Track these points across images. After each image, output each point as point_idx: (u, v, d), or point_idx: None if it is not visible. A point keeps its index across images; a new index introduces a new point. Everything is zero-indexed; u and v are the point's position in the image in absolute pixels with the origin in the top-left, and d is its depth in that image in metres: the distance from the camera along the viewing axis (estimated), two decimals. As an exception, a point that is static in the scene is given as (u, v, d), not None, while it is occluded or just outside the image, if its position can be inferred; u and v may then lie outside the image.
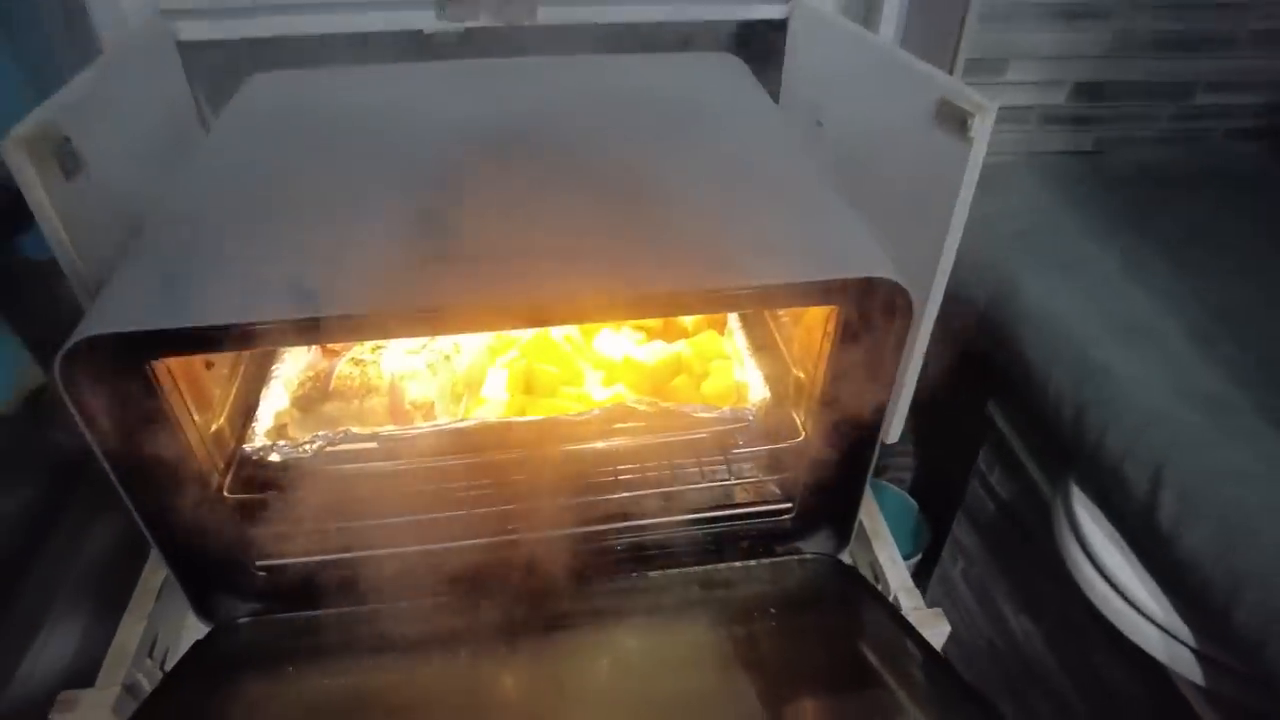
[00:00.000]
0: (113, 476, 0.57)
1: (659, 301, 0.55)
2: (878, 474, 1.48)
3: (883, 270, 0.56)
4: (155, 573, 0.72)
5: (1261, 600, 0.54)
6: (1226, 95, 1.03)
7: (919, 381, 1.19)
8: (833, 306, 0.61)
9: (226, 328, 0.50)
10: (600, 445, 0.69)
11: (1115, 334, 0.71)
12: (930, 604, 1.31)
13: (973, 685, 0.54)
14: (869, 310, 0.59)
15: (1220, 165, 0.98)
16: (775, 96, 0.98)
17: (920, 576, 1.29)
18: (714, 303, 0.58)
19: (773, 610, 0.67)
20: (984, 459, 1.00)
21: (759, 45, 0.95)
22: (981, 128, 0.64)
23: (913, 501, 1.39)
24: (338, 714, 0.60)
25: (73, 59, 0.77)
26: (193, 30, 0.86)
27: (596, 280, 0.54)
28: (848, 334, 0.62)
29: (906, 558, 1.35)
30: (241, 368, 0.74)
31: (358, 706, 0.60)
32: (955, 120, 0.65)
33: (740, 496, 0.77)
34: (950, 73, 0.98)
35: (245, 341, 0.51)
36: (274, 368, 0.75)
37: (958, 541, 1.09)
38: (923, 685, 0.57)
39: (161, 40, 0.83)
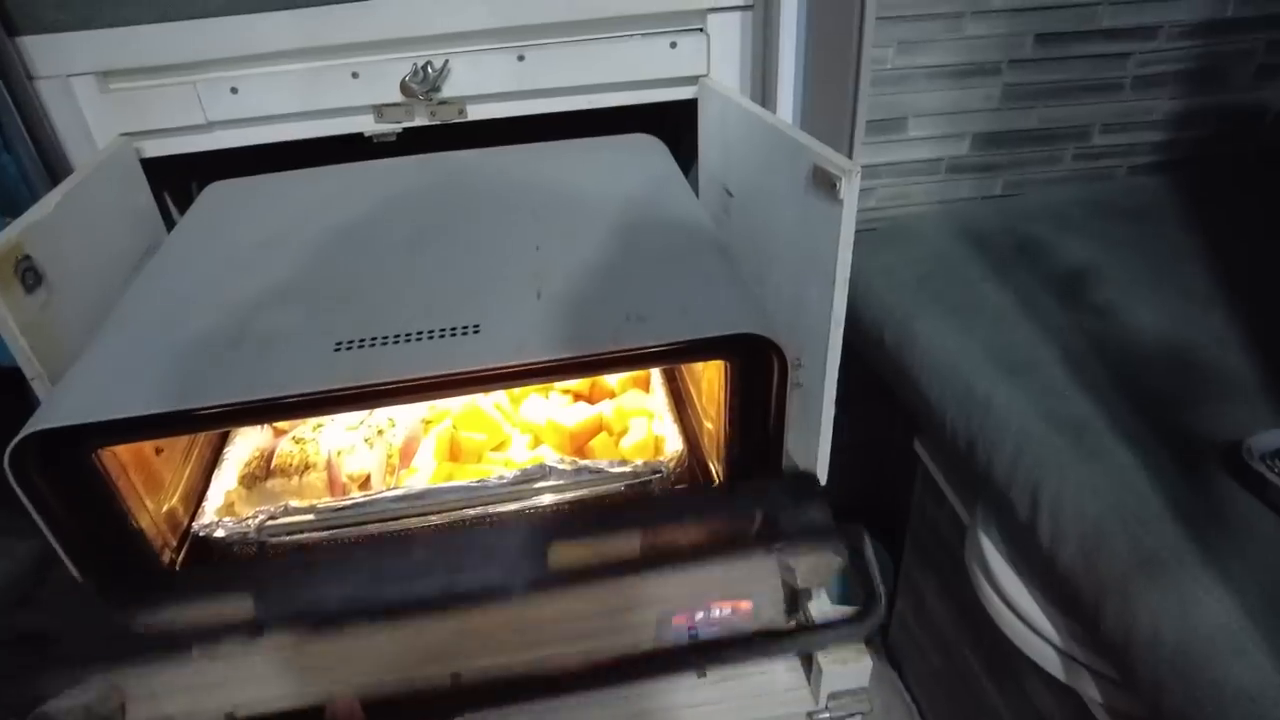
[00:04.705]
0: (66, 560, 0.63)
1: (538, 371, 0.61)
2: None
3: (749, 326, 0.62)
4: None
5: (1119, 605, 0.58)
6: (1123, 135, 1.10)
7: (862, 429, 1.23)
8: (722, 361, 0.67)
9: (149, 418, 0.56)
10: (518, 506, 0.74)
11: (997, 368, 0.76)
12: (890, 642, 1.33)
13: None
14: (748, 362, 0.66)
15: (1120, 200, 1.03)
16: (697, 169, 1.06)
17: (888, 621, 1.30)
18: (585, 368, 0.63)
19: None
20: (917, 494, 1.03)
21: (690, 122, 1.02)
22: (849, 189, 0.69)
23: (879, 547, 1.41)
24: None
25: (45, 187, 0.86)
26: (155, 148, 0.95)
27: (495, 354, 0.60)
28: (737, 386, 0.68)
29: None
30: (195, 451, 0.81)
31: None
32: (827, 184, 0.71)
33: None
34: (851, 133, 1.05)
35: (169, 428, 0.57)
36: (226, 450, 0.81)
37: (909, 578, 1.11)
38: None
39: (126, 158, 0.92)
